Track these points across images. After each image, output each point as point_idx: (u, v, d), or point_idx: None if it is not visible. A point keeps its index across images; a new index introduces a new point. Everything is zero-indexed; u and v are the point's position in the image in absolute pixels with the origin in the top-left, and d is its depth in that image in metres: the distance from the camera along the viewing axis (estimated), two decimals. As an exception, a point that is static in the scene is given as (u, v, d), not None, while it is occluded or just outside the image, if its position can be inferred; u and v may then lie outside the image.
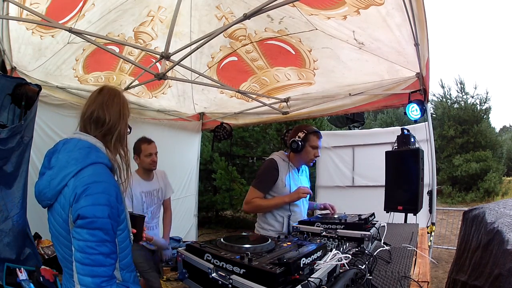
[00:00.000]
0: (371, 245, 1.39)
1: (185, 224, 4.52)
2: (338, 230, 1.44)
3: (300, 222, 1.66)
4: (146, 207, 2.32)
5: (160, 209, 2.49)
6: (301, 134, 2.00)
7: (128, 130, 1.14)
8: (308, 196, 2.00)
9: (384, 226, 1.64)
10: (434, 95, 13.71)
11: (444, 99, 13.43)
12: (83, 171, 0.94)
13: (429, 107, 2.72)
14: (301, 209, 2.07)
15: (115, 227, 0.96)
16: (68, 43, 2.45)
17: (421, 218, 2.58)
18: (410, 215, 2.61)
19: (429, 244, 2.12)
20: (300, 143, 1.97)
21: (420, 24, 1.92)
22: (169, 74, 2.37)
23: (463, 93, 13.09)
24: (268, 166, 2.02)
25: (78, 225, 0.89)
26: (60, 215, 0.94)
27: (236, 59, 2.93)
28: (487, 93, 12.64)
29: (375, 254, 1.23)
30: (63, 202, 0.93)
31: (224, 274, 0.87)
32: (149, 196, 2.34)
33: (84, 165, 0.95)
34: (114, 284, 0.93)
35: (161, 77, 2.19)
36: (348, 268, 1.00)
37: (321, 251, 1.04)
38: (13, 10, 1.99)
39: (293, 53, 2.70)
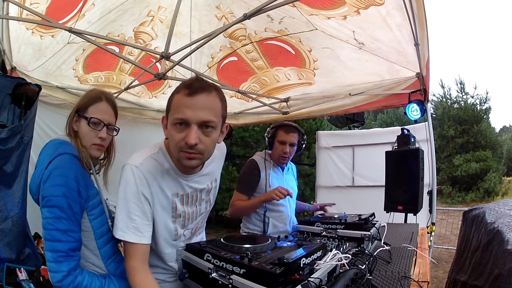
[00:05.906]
0: (371, 245, 1.39)
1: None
2: (338, 230, 1.44)
3: (300, 222, 1.66)
4: (184, 224, 1.15)
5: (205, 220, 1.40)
6: (270, 130, 1.90)
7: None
8: (294, 195, 1.93)
9: (384, 226, 1.64)
10: (434, 95, 13.81)
11: (444, 99, 13.48)
12: (52, 162, 1.04)
13: (429, 107, 2.71)
14: (287, 208, 1.97)
15: (77, 208, 1.00)
16: (68, 43, 2.45)
17: (421, 218, 2.58)
18: (410, 215, 2.60)
19: (429, 244, 2.12)
20: (268, 140, 1.88)
21: (420, 24, 1.92)
22: (169, 74, 2.37)
23: (463, 93, 13.14)
24: (248, 167, 1.93)
25: (41, 206, 1.00)
26: None
27: (236, 59, 2.93)
28: (487, 93, 12.71)
29: (375, 254, 1.23)
30: None
31: (224, 274, 0.87)
32: (191, 202, 1.15)
33: (53, 157, 1.04)
34: (73, 261, 0.97)
35: (161, 77, 2.18)
36: (348, 268, 1.00)
37: (321, 251, 1.04)
38: (13, 10, 1.99)
39: (293, 53, 2.69)
